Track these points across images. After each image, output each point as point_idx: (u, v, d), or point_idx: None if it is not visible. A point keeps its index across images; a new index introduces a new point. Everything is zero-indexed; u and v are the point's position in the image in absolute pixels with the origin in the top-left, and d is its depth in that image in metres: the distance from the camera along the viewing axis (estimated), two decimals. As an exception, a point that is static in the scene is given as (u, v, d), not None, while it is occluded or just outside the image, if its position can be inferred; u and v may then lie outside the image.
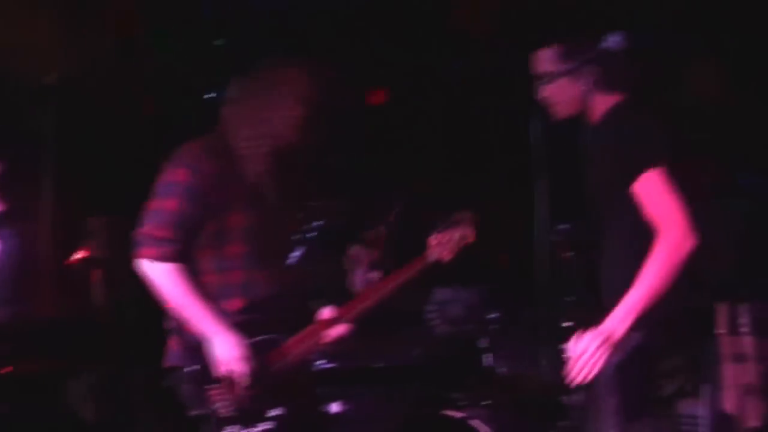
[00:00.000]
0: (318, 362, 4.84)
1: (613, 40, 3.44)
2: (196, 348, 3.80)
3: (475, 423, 4.57)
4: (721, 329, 5.02)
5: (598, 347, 3.39)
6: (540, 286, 3.46)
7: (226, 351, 3.76)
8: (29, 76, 5.71)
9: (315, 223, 4.20)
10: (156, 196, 3.83)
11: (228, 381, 3.76)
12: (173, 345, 3.91)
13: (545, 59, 3.68)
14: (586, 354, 3.39)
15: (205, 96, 5.91)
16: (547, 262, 3.45)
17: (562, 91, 3.62)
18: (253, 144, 3.82)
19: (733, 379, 5.05)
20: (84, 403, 4.83)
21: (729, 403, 5.03)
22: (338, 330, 3.96)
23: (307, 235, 4.23)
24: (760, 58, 5.64)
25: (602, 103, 3.63)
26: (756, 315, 5.05)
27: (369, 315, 4.02)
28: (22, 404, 4.88)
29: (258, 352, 3.83)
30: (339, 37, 6.15)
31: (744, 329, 5.03)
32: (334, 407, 4.93)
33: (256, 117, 3.83)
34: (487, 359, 4.96)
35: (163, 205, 3.79)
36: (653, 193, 3.46)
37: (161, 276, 3.78)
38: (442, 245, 4.04)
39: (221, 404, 3.76)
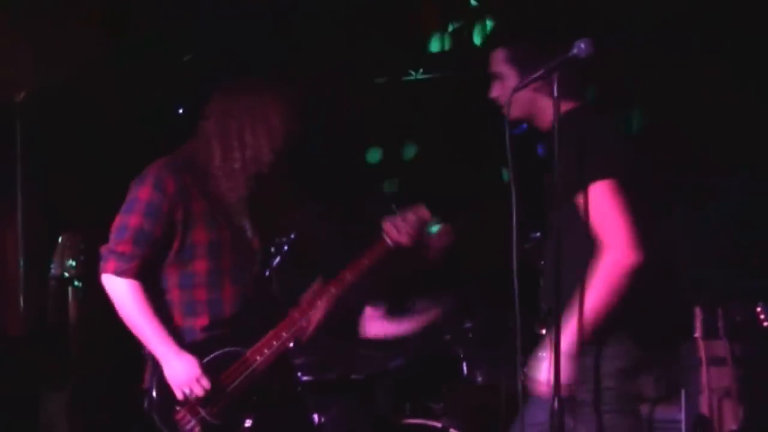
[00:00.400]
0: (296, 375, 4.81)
1: (580, 48, 3.38)
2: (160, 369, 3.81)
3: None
4: (698, 333, 5.03)
5: (559, 367, 3.31)
6: (515, 293, 3.43)
7: (178, 374, 3.76)
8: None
9: (291, 236, 4.18)
10: (121, 212, 3.86)
11: (188, 403, 3.76)
12: (146, 367, 3.91)
13: (499, 60, 3.64)
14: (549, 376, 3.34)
15: (176, 110, 5.91)
16: (521, 269, 3.41)
17: (517, 95, 3.50)
18: (235, 167, 3.81)
19: (711, 382, 5.05)
20: (58, 421, 4.78)
21: (707, 406, 5.03)
22: (301, 329, 3.93)
23: (283, 248, 4.21)
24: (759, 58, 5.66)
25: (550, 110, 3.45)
26: (731, 318, 5.06)
27: (334, 313, 4.02)
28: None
29: (218, 367, 3.83)
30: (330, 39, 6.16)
31: (720, 332, 5.04)
32: (314, 419, 4.91)
33: (238, 140, 3.82)
34: (464, 368, 4.95)
35: (126, 221, 3.82)
36: (599, 205, 3.36)
37: (119, 291, 3.81)
38: (398, 228, 4.02)
39: (189, 426, 3.75)
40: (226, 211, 3.87)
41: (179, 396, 3.76)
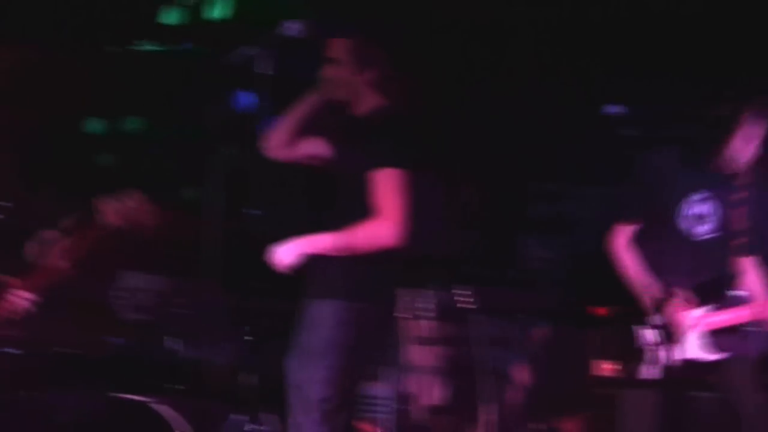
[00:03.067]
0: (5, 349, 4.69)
1: (291, 28, 3.58)
2: None
3: (163, 409, 4.55)
4: (407, 313, 5.23)
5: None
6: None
7: None
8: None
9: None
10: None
11: None
12: None
13: (339, 46, 3.95)
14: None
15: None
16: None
17: (342, 77, 3.93)
18: None
19: (418, 361, 5.26)
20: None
21: (413, 383, 5.25)
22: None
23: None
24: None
25: (370, 101, 3.94)
26: (440, 301, 5.28)
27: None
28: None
29: None
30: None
31: (427, 314, 5.25)
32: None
33: None
34: (177, 346, 4.96)
35: None
36: (386, 187, 3.75)
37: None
38: (115, 211, 4.09)
39: None
40: None
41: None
